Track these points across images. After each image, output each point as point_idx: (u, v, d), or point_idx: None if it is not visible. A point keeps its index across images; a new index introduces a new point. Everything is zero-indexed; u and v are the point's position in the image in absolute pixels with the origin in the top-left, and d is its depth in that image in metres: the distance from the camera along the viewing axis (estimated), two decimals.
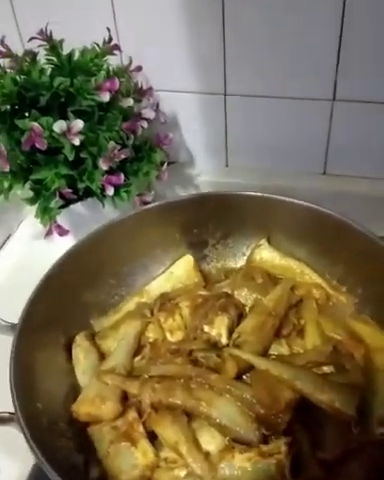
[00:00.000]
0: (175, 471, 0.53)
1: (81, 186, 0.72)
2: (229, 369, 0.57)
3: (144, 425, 0.56)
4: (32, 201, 0.71)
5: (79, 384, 0.63)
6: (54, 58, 0.73)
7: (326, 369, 0.60)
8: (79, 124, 0.68)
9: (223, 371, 0.58)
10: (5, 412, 0.53)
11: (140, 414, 0.57)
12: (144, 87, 0.80)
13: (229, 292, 0.68)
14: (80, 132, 0.68)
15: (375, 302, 0.67)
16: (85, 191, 0.74)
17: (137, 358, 0.63)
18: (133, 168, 0.76)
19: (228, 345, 0.61)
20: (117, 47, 0.76)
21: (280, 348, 0.63)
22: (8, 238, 0.91)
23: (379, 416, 0.56)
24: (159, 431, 0.55)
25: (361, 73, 0.77)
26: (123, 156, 0.72)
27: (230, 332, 0.62)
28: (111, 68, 0.75)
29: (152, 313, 0.67)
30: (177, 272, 0.73)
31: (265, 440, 0.54)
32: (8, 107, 0.70)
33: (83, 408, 0.58)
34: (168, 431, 0.55)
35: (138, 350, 0.64)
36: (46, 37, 0.72)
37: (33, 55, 0.72)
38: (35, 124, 0.66)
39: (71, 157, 0.69)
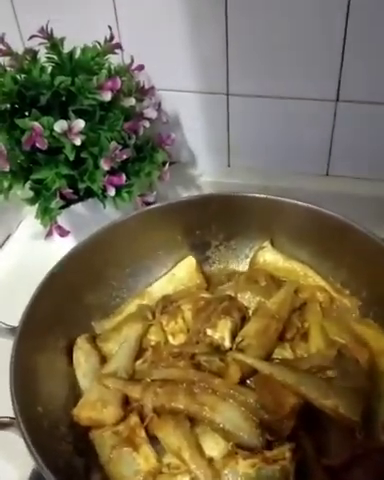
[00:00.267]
0: (178, 477, 0.52)
1: (82, 186, 0.71)
2: (232, 373, 0.57)
3: (146, 430, 0.55)
4: (32, 201, 0.70)
5: (80, 387, 0.62)
6: (55, 56, 0.72)
7: (330, 373, 0.60)
8: (80, 124, 0.67)
9: (226, 375, 0.57)
10: (5, 417, 0.53)
11: (142, 419, 0.56)
12: (146, 86, 0.79)
13: (232, 295, 0.67)
14: (81, 132, 0.67)
15: (379, 305, 0.66)
16: (86, 191, 0.73)
17: (139, 361, 0.63)
18: (135, 168, 0.76)
19: (231, 349, 0.61)
20: (119, 46, 0.75)
21: (284, 352, 0.63)
22: (7, 238, 0.90)
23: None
24: (161, 436, 0.55)
25: (365, 74, 0.77)
26: (125, 156, 0.72)
27: (233, 336, 0.62)
28: (113, 67, 0.74)
29: (154, 316, 0.67)
30: (179, 274, 0.72)
31: (269, 446, 0.53)
32: (8, 106, 0.69)
33: (84, 412, 0.57)
34: (171, 436, 0.54)
35: (140, 353, 0.64)
36: (47, 35, 0.71)
37: (33, 53, 0.71)
38: (35, 124, 0.65)
39: (72, 157, 0.68)
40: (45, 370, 0.59)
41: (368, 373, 0.60)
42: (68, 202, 0.73)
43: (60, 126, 0.66)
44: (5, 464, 0.60)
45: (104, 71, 0.72)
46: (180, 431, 0.54)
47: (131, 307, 0.70)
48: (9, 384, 0.53)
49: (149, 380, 0.58)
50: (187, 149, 0.93)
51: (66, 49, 0.72)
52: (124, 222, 0.69)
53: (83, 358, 0.63)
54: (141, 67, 0.78)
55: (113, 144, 0.70)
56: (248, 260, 0.75)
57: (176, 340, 0.64)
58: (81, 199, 0.74)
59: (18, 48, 0.72)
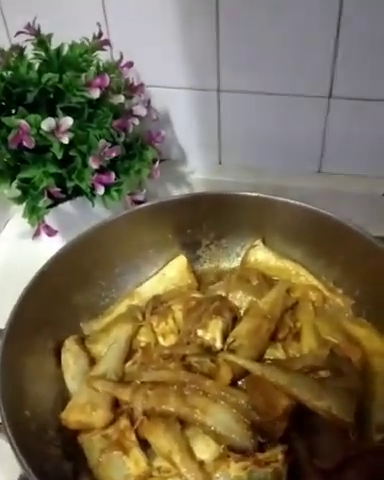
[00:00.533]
0: None
1: (70, 185, 0.70)
2: (224, 375, 0.56)
3: (136, 433, 0.54)
4: (19, 200, 0.69)
5: (69, 390, 0.61)
6: (42, 53, 0.71)
7: (323, 374, 0.59)
8: (68, 121, 0.66)
9: (218, 377, 0.56)
10: None
11: (132, 422, 0.55)
12: (135, 83, 0.78)
13: (223, 295, 0.67)
14: (69, 130, 0.66)
15: (372, 304, 0.66)
16: (74, 190, 0.72)
17: (128, 363, 0.62)
18: (124, 166, 0.75)
19: (222, 349, 0.60)
20: (107, 42, 0.74)
21: (276, 352, 0.62)
22: None
23: (377, 422, 0.55)
24: (152, 439, 0.54)
25: (358, 70, 0.76)
26: (114, 154, 0.71)
27: (224, 336, 0.61)
28: (101, 64, 0.73)
29: (144, 316, 0.66)
30: (170, 273, 0.71)
31: (261, 448, 0.53)
32: None
33: (73, 415, 0.56)
34: (161, 439, 0.53)
35: (129, 355, 0.63)
36: (34, 31, 0.70)
37: (20, 50, 0.70)
38: (22, 122, 0.64)
39: (60, 155, 0.67)
40: (33, 373, 0.58)
41: (361, 373, 0.59)
42: (56, 201, 0.72)
43: (48, 124, 0.65)
44: None
45: (92, 68, 0.71)
46: (170, 434, 0.53)
47: (121, 308, 0.69)
48: None
49: (139, 382, 0.57)
50: (178, 146, 0.92)
51: (54, 46, 0.71)
52: (113, 221, 0.68)
53: (72, 360, 0.62)
54: (130, 64, 0.77)
55: (102, 142, 0.69)
56: (240, 259, 0.74)
57: (166, 341, 0.63)
58: (69, 198, 0.73)
59: (4, 45, 0.71)
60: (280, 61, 0.78)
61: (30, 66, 0.69)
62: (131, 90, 0.77)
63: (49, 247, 0.66)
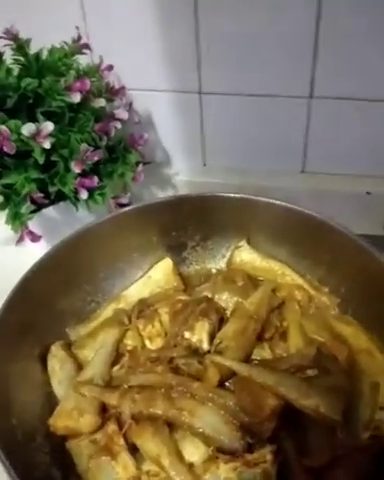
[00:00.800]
0: None
1: (53, 190, 0.70)
2: (211, 377, 0.56)
3: (124, 437, 0.54)
4: (2, 207, 0.68)
5: (56, 396, 0.61)
6: (21, 58, 0.70)
7: (310, 372, 0.59)
8: (49, 126, 0.65)
9: (205, 379, 0.56)
10: None
11: (120, 426, 0.55)
12: (116, 86, 0.77)
13: (209, 296, 0.67)
14: (50, 134, 0.65)
15: (358, 302, 0.66)
16: (57, 195, 0.71)
17: (116, 367, 0.61)
18: (107, 170, 0.74)
19: (210, 351, 0.60)
20: (87, 46, 0.74)
21: (263, 352, 0.62)
22: None
23: (364, 420, 0.55)
24: (140, 443, 0.54)
25: (338, 70, 0.76)
26: (96, 158, 0.70)
27: (211, 338, 0.61)
28: (81, 68, 0.73)
29: (130, 320, 0.66)
30: (155, 276, 0.71)
31: (250, 449, 0.53)
32: None
33: (60, 421, 0.56)
34: (149, 443, 0.53)
35: (116, 359, 0.62)
36: (12, 36, 0.69)
37: None
38: (2, 127, 0.63)
39: (41, 160, 0.66)
40: (19, 380, 0.58)
41: (348, 371, 0.60)
42: (39, 206, 0.71)
43: (28, 129, 0.65)
44: None
45: (72, 72, 0.70)
46: (159, 437, 0.53)
47: (107, 312, 0.68)
48: None
49: (126, 386, 0.57)
50: (162, 149, 0.92)
51: (33, 50, 0.71)
52: (97, 225, 0.68)
53: (58, 366, 0.61)
54: (110, 67, 0.77)
55: (84, 146, 0.69)
56: (225, 260, 0.74)
57: (153, 344, 0.63)
58: (52, 203, 0.72)
59: None
60: (260, 62, 0.78)
61: (9, 71, 0.69)
62: (112, 93, 0.77)
63: (33, 253, 0.65)
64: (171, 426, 0.55)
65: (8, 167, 0.68)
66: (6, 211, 0.68)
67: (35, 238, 0.69)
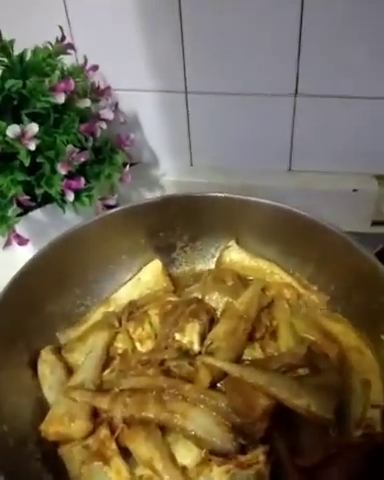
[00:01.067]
0: None
1: (39, 192, 0.69)
2: (202, 378, 0.56)
3: (117, 442, 0.54)
4: None
5: (47, 401, 0.60)
6: (4, 59, 0.69)
7: (301, 371, 0.59)
8: (34, 128, 0.65)
9: (196, 380, 0.56)
10: None
11: (112, 430, 0.55)
12: (101, 87, 0.77)
13: (199, 297, 0.67)
14: (35, 136, 0.65)
15: (347, 299, 0.66)
16: (44, 197, 0.70)
17: (106, 371, 0.61)
18: (94, 171, 0.74)
19: (200, 352, 0.60)
20: (71, 46, 0.73)
21: (253, 352, 0.62)
22: None
23: (356, 418, 0.56)
24: (133, 447, 0.53)
25: (322, 67, 0.76)
26: (82, 159, 0.70)
27: (202, 339, 0.61)
28: (65, 68, 0.72)
29: (120, 323, 0.65)
30: (145, 278, 0.71)
31: (243, 450, 0.53)
32: None
33: (52, 427, 0.56)
34: (142, 447, 0.53)
35: (107, 362, 0.62)
36: None
37: None
38: None
39: (27, 163, 0.65)
40: (8, 386, 0.57)
41: (339, 369, 0.60)
42: (26, 209, 0.70)
43: (13, 131, 0.64)
44: None
45: (57, 72, 0.70)
46: (151, 441, 0.53)
47: (96, 315, 0.68)
48: None
49: (118, 390, 0.57)
50: (148, 149, 0.91)
51: (16, 51, 0.70)
52: (85, 227, 0.67)
53: (48, 370, 0.61)
54: (95, 67, 0.76)
55: (70, 147, 0.68)
56: (215, 260, 0.74)
57: (144, 347, 0.63)
58: (39, 205, 0.72)
59: None
60: (244, 61, 0.77)
61: None
62: (97, 94, 0.76)
63: (21, 256, 0.64)
64: (163, 429, 0.54)
65: None
66: None
67: (22, 241, 0.68)
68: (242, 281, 0.69)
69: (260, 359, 0.61)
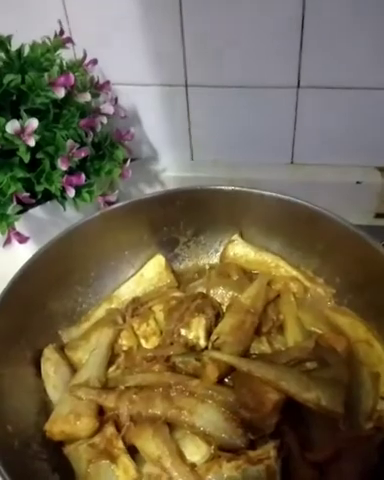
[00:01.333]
0: None
1: (39, 189, 0.68)
2: (210, 373, 0.55)
3: (123, 440, 0.53)
4: None
5: (51, 400, 0.59)
6: (2, 54, 0.68)
7: (309, 365, 0.59)
8: (33, 123, 0.64)
9: (204, 376, 0.55)
10: None
11: (118, 428, 0.54)
12: (101, 81, 0.76)
13: (204, 292, 0.66)
14: (35, 132, 0.64)
15: (353, 292, 0.66)
16: (44, 194, 0.69)
17: (111, 368, 0.60)
18: (94, 167, 0.73)
19: (207, 347, 0.59)
20: (69, 40, 0.72)
21: (261, 346, 0.61)
22: None
23: (366, 410, 0.55)
24: (140, 445, 0.53)
25: (325, 59, 0.75)
26: (82, 155, 0.69)
27: (208, 334, 0.60)
28: (64, 62, 0.71)
29: (124, 319, 0.64)
30: (148, 274, 0.70)
31: (252, 445, 0.52)
32: None
33: (57, 426, 0.55)
34: (149, 445, 0.52)
35: (112, 360, 0.61)
36: None
37: None
38: None
39: (27, 159, 0.65)
40: (12, 386, 0.56)
41: (347, 362, 0.59)
42: (26, 206, 0.69)
43: (12, 127, 0.63)
44: None
45: (56, 67, 0.69)
46: (159, 438, 0.52)
47: (99, 312, 0.67)
48: None
49: (123, 387, 0.56)
50: (148, 144, 0.90)
51: (14, 47, 0.69)
52: (86, 223, 0.66)
53: (52, 369, 0.60)
54: (94, 61, 0.75)
55: (70, 142, 0.67)
56: (218, 254, 0.73)
57: (149, 343, 0.62)
58: (39, 203, 0.70)
59: None
60: (246, 53, 0.76)
61: None
62: (97, 88, 0.75)
63: (21, 255, 0.63)
64: (171, 426, 0.54)
65: None
66: None
67: (23, 239, 0.67)
68: (247, 275, 0.69)
69: (268, 353, 0.61)
